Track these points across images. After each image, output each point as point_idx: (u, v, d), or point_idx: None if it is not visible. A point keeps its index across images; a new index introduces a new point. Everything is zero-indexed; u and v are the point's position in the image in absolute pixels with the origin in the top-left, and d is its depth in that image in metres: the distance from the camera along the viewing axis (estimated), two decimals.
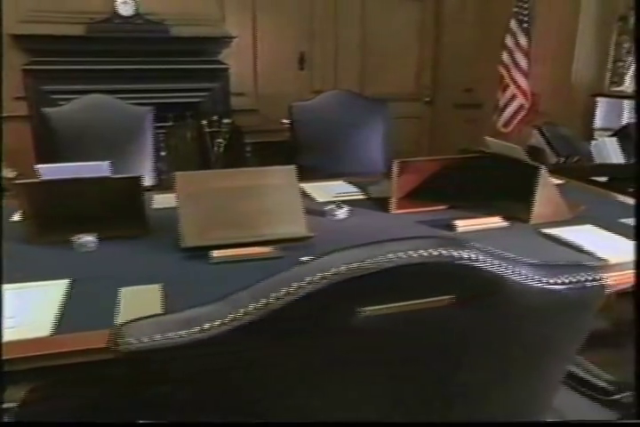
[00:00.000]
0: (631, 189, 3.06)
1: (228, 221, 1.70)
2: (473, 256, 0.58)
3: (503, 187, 1.96)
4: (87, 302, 1.34)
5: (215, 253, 1.57)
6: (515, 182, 1.91)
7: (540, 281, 0.63)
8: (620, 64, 3.95)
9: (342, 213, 1.93)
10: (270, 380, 0.60)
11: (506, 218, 1.88)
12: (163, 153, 4.58)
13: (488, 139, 2.07)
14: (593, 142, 3.63)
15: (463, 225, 1.78)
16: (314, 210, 2.00)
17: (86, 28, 4.06)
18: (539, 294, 0.63)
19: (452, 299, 0.58)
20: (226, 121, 4.43)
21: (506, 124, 4.36)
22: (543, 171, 1.82)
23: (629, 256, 1.63)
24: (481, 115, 4.77)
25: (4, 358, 0.97)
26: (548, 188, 1.86)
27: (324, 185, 2.35)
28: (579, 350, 1.64)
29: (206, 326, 0.52)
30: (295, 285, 0.53)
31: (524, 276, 0.61)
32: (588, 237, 1.75)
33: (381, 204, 2.03)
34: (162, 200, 2.11)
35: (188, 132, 4.57)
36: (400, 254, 0.55)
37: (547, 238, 1.76)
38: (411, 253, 0.56)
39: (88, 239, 1.69)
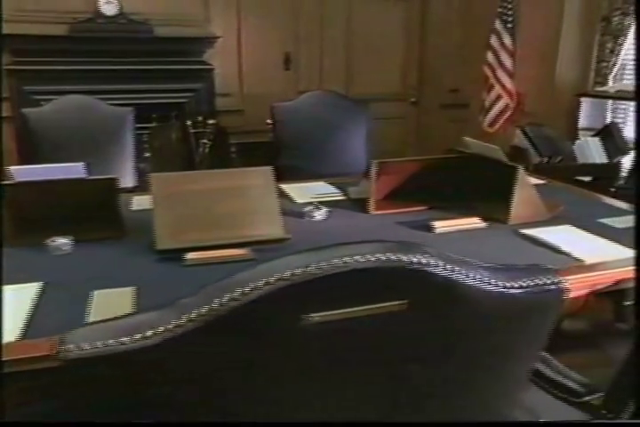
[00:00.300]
0: (612, 189, 3.08)
1: (202, 222, 1.69)
2: (424, 261, 0.57)
3: (482, 187, 1.96)
4: (58, 306, 1.32)
5: (189, 256, 1.55)
6: (493, 183, 1.91)
7: (497, 285, 0.62)
8: (604, 64, 3.96)
9: (320, 214, 1.92)
10: (220, 385, 0.59)
11: (485, 219, 1.87)
12: (147, 154, 4.56)
13: (467, 139, 2.07)
14: (576, 142, 3.64)
15: (441, 226, 1.78)
16: (292, 211, 1.99)
17: (69, 28, 4.03)
18: (495, 298, 0.62)
19: (404, 304, 0.57)
20: (211, 122, 4.40)
21: (491, 124, 4.37)
22: (521, 171, 1.82)
23: (605, 257, 1.63)
24: (467, 115, 4.78)
25: None
26: (526, 188, 1.86)
27: (304, 186, 2.34)
28: (553, 351, 1.64)
29: (149, 333, 0.51)
30: (239, 290, 0.52)
31: (479, 280, 0.61)
32: (565, 237, 1.75)
33: (361, 204, 2.02)
34: (141, 202, 2.09)
35: (172, 133, 4.54)
36: (347, 260, 0.54)
37: (524, 239, 1.76)
38: (358, 258, 0.55)
39: (63, 242, 1.67)
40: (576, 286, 1.56)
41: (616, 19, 3.79)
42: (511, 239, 1.76)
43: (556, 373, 1.17)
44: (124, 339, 0.50)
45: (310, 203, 2.04)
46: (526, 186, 1.86)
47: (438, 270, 0.58)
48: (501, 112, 4.29)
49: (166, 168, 4.30)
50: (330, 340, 0.59)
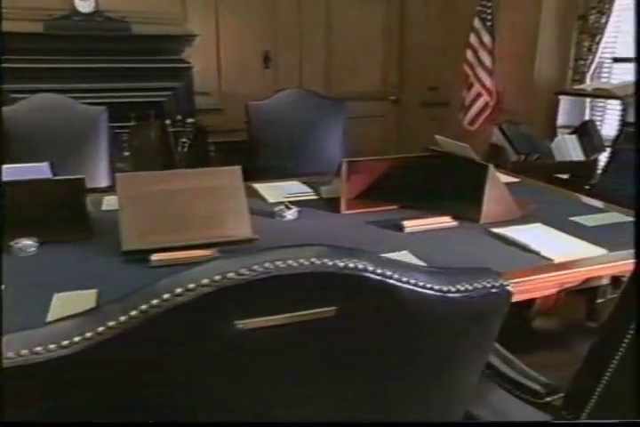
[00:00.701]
0: (587, 187, 3.09)
1: (169, 223, 1.67)
2: (359, 266, 0.56)
3: (454, 186, 1.95)
4: (17, 310, 1.29)
5: (154, 257, 1.53)
6: (465, 182, 1.90)
7: (436, 289, 0.61)
8: (582, 62, 3.98)
9: (291, 214, 1.90)
10: (152, 390, 0.57)
11: (456, 217, 1.87)
12: (126, 153, 4.52)
13: (439, 137, 2.06)
14: (554, 140, 3.65)
15: (411, 225, 1.77)
16: (263, 211, 1.97)
17: (44, 26, 3.97)
18: (435, 303, 0.61)
19: (333, 311, 0.56)
20: (190, 120, 4.37)
21: (472, 123, 4.37)
22: (492, 170, 1.81)
23: (574, 255, 1.63)
24: (447, 113, 4.78)
25: None
26: (497, 187, 1.85)
27: (278, 185, 2.32)
28: (522, 350, 1.64)
29: (65, 342, 0.49)
30: (160, 297, 0.51)
31: (415, 284, 0.59)
32: (535, 235, 1.75)
33: (332, 204, 2.01)
34: (111, 202, 2.07)
35: (151, 132, 4.50)
36: (278, 264, 0.53)
37: (494, 238, 1.75)
38: (291, 262, 0.53)
39: (27, 243, 1.64)
40: (545, 284, 1.57)
41: (592, 17, 3.81)
42: (481, 238, 1.75)
43: (519, 373, 1.16)
44: (39, 349, 0.48)
45: (282, 202, 2.02)
46: (497, 184, 1.85)
47: (373, 275, 0.56)
48: (481, 110, 4.30)
49: (146, 167, 4.26)
50: (263, 346, 0.57)
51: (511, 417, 1.33)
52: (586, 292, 2.18)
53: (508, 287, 0.66)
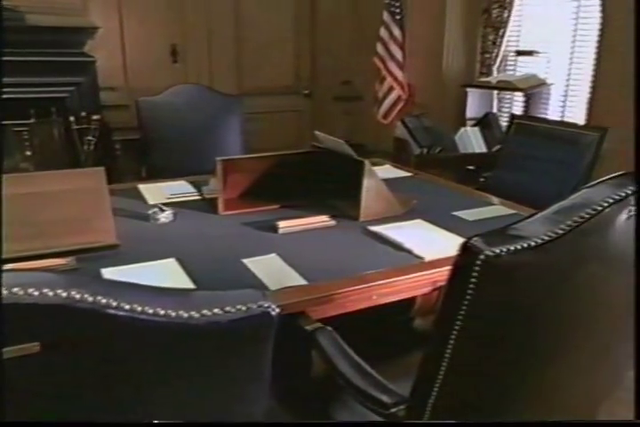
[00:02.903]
0: (482, 179, 3.13)
1: (23, 231, 1.54)
2: (64, 295, 0.49)
3: (334, 184, 1.91)
4: None
5: (8, 268, 1.41)
6: (343, 179, 1.86)
7: (165, 315, 0.54)
8: (487, 56, 4.03)
9: (165, 216, 1.81)
10: None
11: (335, 216, 1.82)
12: (28, 152, 4.29)
13: (318, 133, 2.01)
14: (458, 132, 3.68)
15: (285, 226, 1.71)
16: (139, 214, 1.88)
17: None
18: (171, 329, 0.54)
19: (37, 346, 0.49)
20: (95, 117, 4.18)
21: (385, 116, 4.37)
22: (368, 166, 1.77)
23: (447, 252, 1.61)
24: (361, 107, 4.76)
25: None
26: (374, 183, 1.82)
27: (162, 186, 2.22)
28: (400, 353, 1.60)
29: None
30: None
31: (136, 310, 0.52)
32: (412, 233, 1.73)
33: (213, 204, 1.93)
34: None
35: (54, 130, 4.29)
36: None
37: (371, 237, 1.72)
38: None
39: None
40: (416, 284, 1.54)
41: (495, 11, 3.86)
42: (357, 237, 1.72)
43: (369, 384, 1.12)
44: None
45: (163, 204, 1.93)
46: (375, 181, 1.82)
47: (84, 305, 0.49)
48: (394, 104, 4.30)
49: (50, 166, 4.06)
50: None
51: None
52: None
53: (271, 309, 0.60)
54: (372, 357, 1.33)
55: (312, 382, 1.49)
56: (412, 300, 1.80)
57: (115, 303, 0.51)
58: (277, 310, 0.61)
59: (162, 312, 0.54)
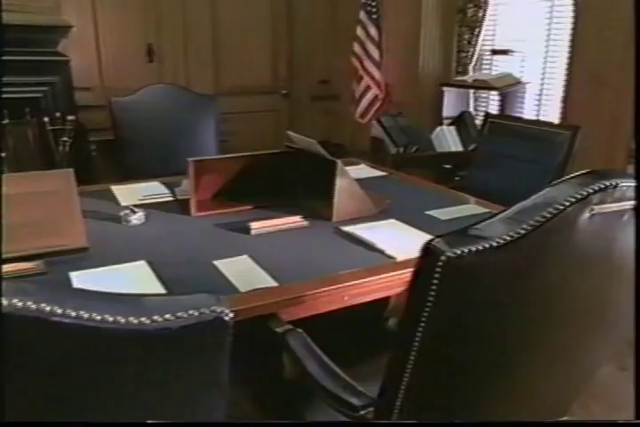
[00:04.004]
0: (457, 178, 3.15)
1: None
2: (5, 302, 0.47)
3: (307, 184, 1.91)
4: None
5: None
6: (316, 179, 1.86)
7: (115, 321, 0.53)
8: (463, 55, 4.06)
9: (137, 218, 1.79)
10: None
11: (309, 216, 1.82)
12: (2, 154, 4.23)
13: (291, 133, 2.00)
14: (434, 131, 3.69)
15: (258, 227, 1.71)
16: (111, 215, 1.86)
17: None
18: (126, 335, 0.54)
19: None
20: (70, 118, 4.13)
21: (363, 115, 4.38)
22: (340, 166, 1.77)
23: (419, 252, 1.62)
24: (339, 106, 4.76)
25: None
26: (347, 183, 1.81)
27: (136, 187, 2.20)
28: (375, 353, 1.60)
29: None
30: None
31: (78, 316, 0.51)
32: (384, 233, 1.73)
33: (186, 206, 1.91)
34: None
35: (28, 131, 4.23)
36: None
37: (343, 237, 1.72)
38: None
39: None
40: (389, 284, 1.54)
41: (470, 11, 3.88)
42: (330, 238, 1.71)
43: (339, 387, 1.12)
44: None
45: (134, 205, 1.91)
46: (348, 181, 1.81)
47: (27, 313, 0.48)
48: (371, 103, 4.31)
49: (25, 168, 4.01)
50: None
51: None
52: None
53: (224, 315, 0.60)
54: (345, 357, 1.33)
55: (284, 384, 1.48)
56: (386, 299, 1.80)
57: (60, 311, 0.50)
58: (231, 315, 0.60)
59: (110, 319, 0.53)
